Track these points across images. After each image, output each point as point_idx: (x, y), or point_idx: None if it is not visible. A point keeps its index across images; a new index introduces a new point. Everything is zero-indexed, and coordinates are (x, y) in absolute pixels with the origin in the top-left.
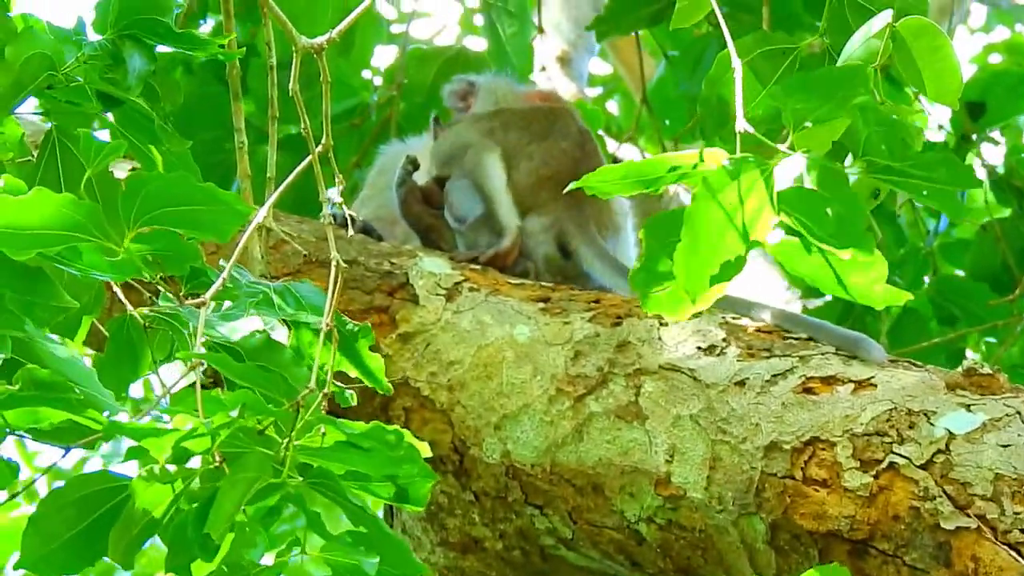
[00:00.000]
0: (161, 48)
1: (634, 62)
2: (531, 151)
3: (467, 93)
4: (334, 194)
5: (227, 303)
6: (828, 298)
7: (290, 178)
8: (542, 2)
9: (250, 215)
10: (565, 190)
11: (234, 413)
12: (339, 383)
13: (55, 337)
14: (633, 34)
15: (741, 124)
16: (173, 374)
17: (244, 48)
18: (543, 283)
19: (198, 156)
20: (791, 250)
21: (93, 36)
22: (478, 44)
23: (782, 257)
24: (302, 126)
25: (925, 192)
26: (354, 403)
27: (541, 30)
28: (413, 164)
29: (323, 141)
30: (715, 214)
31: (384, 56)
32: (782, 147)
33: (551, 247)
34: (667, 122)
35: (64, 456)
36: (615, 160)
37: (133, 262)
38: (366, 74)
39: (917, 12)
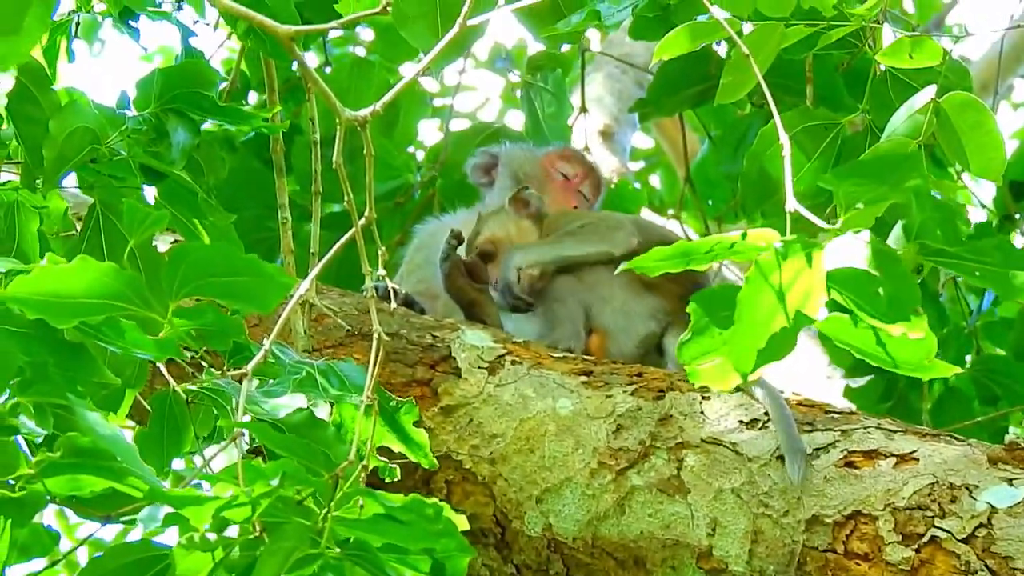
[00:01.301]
0: (205, 123)
1: (677, 138)
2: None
3: (490, 166)
4: (378, 271)
5: (271, 380)
6: (871, 377)
7: (333, 250)
8: (585, 78)
9: (293, 287)
10: (616, 271)
11: (274, 482)
12: (383, 458)
13: (95, 413)
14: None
15: (791, 203)
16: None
17: (288, 122)
18: (585, 356)
19: (241, 233)
20: (840, 326)
21: (136, 112)
22: (522, 118)
23: (830, 332)
24: (345, 199)
25: (978, 274)
26: (397, 477)
27: (584, 109)
28: (457, 238)
29: (366, 214)
30: (767, 295)
31: (428, 131)
32: (830, 225)
33: (656, 328)
34: (710, 202)
35: (104, 525)
36: None
37: (175, 341)
38: (410, 149)
39: (960, 88)
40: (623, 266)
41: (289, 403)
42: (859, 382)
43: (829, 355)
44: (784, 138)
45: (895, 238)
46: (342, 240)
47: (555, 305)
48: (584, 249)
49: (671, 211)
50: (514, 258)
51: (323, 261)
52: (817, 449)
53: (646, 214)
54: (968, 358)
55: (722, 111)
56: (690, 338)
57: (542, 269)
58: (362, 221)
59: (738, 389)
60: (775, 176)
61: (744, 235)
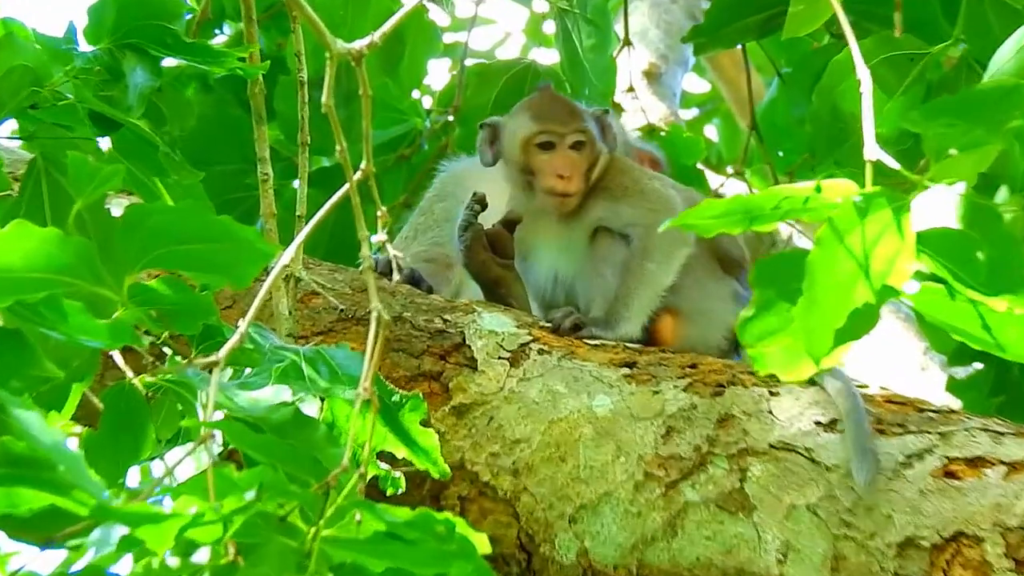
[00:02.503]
0: (168, 61)
1: (739, 79)
2: None
3: (493, 139)
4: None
5: (248, 370)
6: (978, 366)
7: (322, 212)
8: (628, 7)
9: (274, 256)
10: (661, 228)
11: (251, 495)
12: (384, 465)
13: (34, 413)
14: (738, 46)
15: (872, 150)
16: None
17: (269, 62)
18: (628, 344)
19: (213, 192)
20: (933, 299)
21: (87, 47)
22: (549, 56)
23: (922, 308)
24: (338, 150)
25: None
26: (401, 488)
27: (628, 43)
28: (481, 203)
29: (362, 167)
30: (842, 259)
31: (438, 74)
32: (920, 178)
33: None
34: (780, 153)
35: (44, 551)
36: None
37: (131, 324)
38: (416, 94)
39: None
40: (668, 222)
41: (270, 397)
42: (964, 372)
43: (927, 338)
44: (862, 69)
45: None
46: (333, 199)
47: (601, 268)
48: (670, 268)
49: (731, 168)
50: (620, 330)
51: (311, 224)
52: (910, 456)
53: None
54: None
55: (794, 44)
56: (752, 315)
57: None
58: (358, 175)
59: (812, 381)
60: (850, 116)
61: (818, 187)
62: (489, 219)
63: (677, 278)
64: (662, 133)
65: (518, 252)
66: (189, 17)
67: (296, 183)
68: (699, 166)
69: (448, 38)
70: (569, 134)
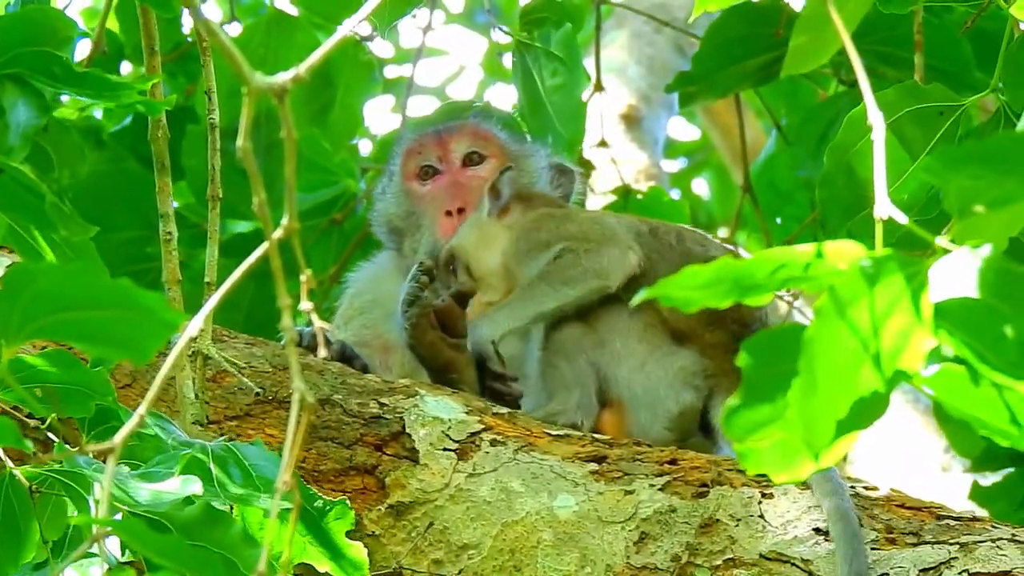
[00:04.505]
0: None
1: (733, 128)
2: (670, 253)
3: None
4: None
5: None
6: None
7: (237, 273)
8: (601, 41)
9: (179, 327)
10: (632, 302)
11: None
12: None
13: None
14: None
15: (883, 207)
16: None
17: (175, 96)
18: (597, 435)
19: (108, 261)
20: (953, 384)
21: None
22: (511, 95)
23: (940, 394)
24: (255, 202)
25: None
26: None
27: (599, 87)
28: (428, 274)
29: (284, 223)
30: (846, 335)
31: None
32: (941, 241)
33: (695, 399)
34: (779, 220)
35: None
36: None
37: (11, 423)
38: (355, 140)
39: None
40: (637, 297)
41: (176, 490)
42: (990, 480)
43: (946, 436)
44: (875, 113)
45: None
46: (250, 259)
47: (557, 361)
48: (566, 295)
49: (722, 231)
50: (481, 330)
51: (223, 289)
52: (925, 571)
53: None
54: None
55: (797, 92)
56: (740, 404)
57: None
58: (278, 233)
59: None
60: (868, 181)
61: (820, 251)
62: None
63: (617, 359)
64: (639, 196)
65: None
66: (84, 54)
67: (205, 251)
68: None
69: (391, 71)
70: None
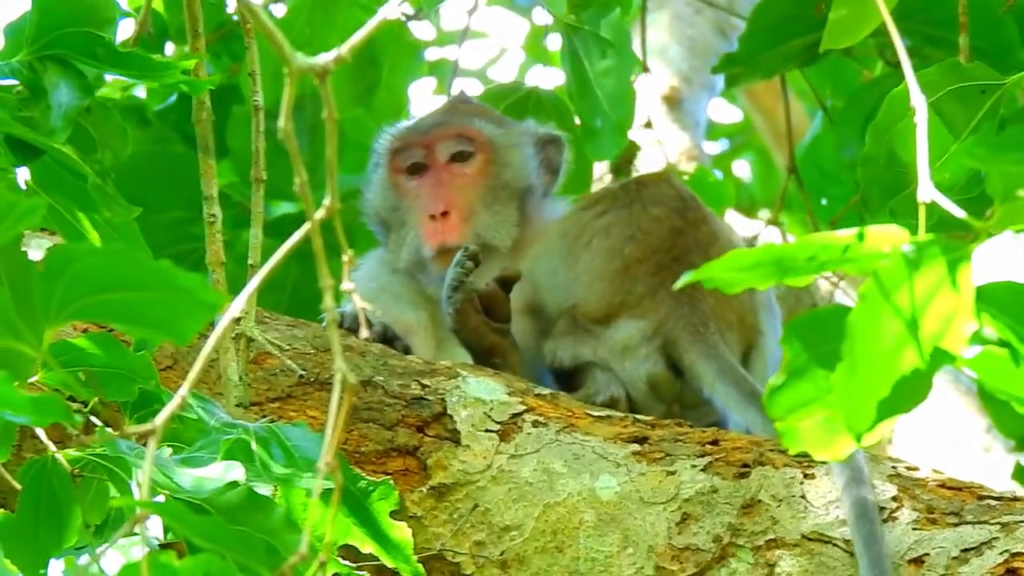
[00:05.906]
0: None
1: (776, 108)
2: (607, 225)
3: None
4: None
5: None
6: None
7: (278, 254)
8: (646, 21)
9: (221, 308)
10: (676, 285)
11: None
12: (346, 561)
13: None
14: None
15: (926, 191)
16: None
17: (218, 76)
18: (639, 416)
19: (151, 245)
20: (995, 366)
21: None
22: (554, 77)
23: (982, 376)
24: (297, 182)
25: None
26: None
27: (645, 68)
28: (473, 259)
29: (326, 203)
30: (889, 318)
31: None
32: (982, 223)
33: (655, 364)
34: (824, 200)
35: None
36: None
37: (60, 399)
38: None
39: None
40: (683, 279)
41: (219, 476)
42: None
43: (990, 416)
44: (917, 95)
45: None
46: (290, 242)
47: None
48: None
49: (764, 213)
50: None
51: (264, 269)
52: (966, 551)
53: (731, 217)
54: None
55: (843, 73)
56: (783, 382)
57: None
58: (321, 213)
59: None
60: (909, 160)
61: (862, 234)
62: None
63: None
64: (684, 176)
65: None
66: (128, 35)
67: (250, 230)
68: (729, 212)
69: (432, 54)
70: None
